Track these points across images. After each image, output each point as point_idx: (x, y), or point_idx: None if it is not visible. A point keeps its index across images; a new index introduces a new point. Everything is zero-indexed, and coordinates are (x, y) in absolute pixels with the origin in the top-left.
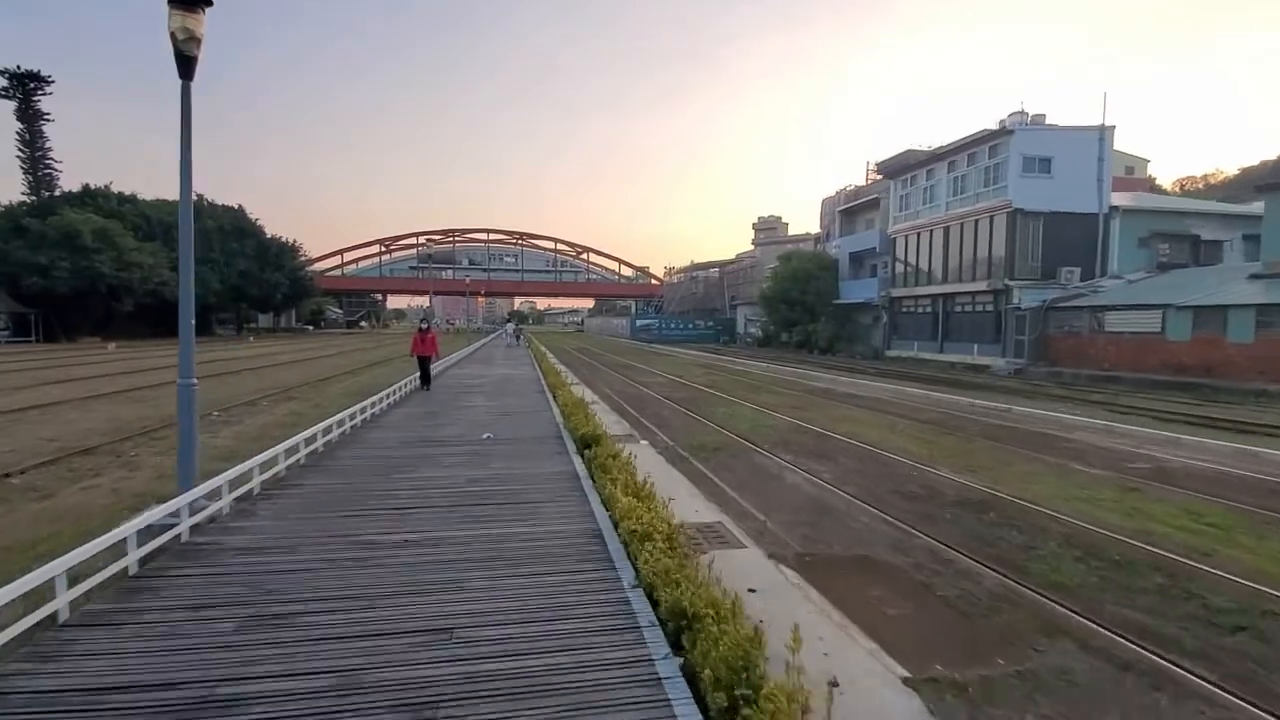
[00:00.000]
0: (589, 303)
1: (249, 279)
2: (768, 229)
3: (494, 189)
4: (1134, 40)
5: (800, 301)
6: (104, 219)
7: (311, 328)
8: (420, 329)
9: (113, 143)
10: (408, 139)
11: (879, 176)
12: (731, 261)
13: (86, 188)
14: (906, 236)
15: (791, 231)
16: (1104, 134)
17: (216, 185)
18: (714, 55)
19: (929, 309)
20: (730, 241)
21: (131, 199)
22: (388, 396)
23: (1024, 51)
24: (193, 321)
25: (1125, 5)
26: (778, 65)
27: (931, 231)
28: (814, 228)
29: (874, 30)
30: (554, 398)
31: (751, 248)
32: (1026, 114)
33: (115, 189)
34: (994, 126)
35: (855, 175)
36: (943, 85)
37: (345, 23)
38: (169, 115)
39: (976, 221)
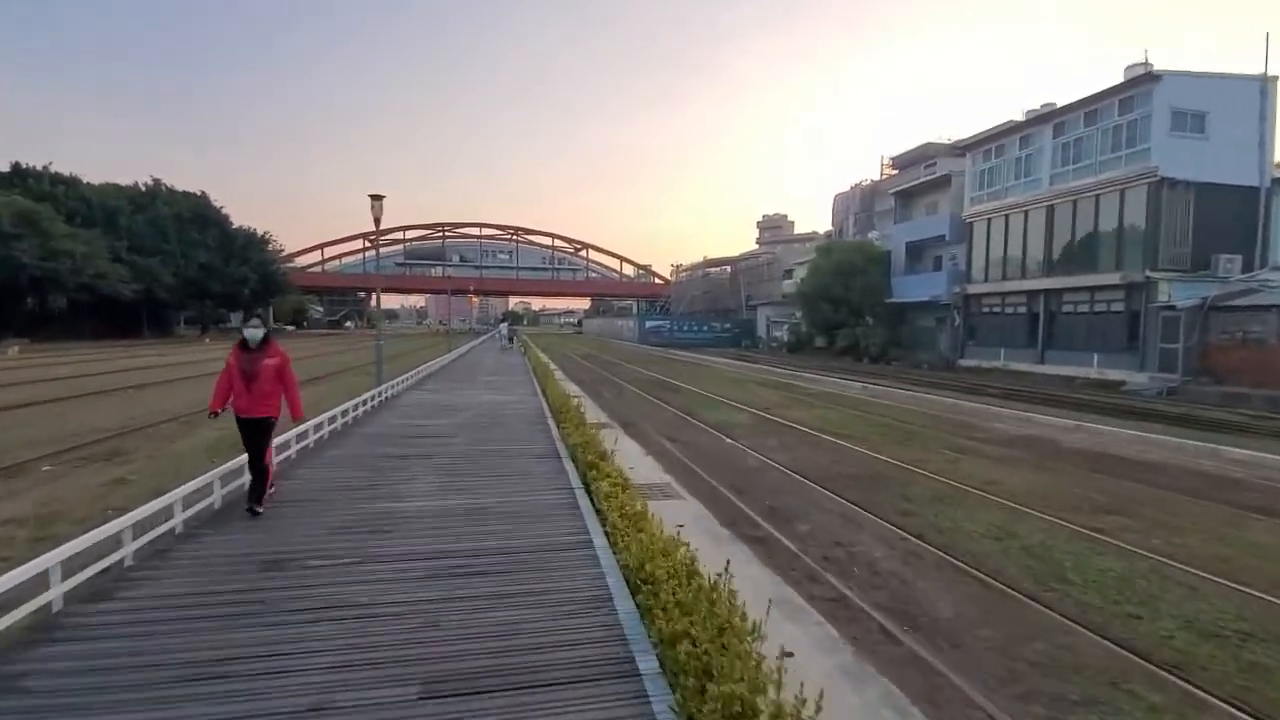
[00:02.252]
0: (585, 303)
1: (211, 273)
2: (773, 227)
3: (490, 189)
4: (1134, 38)
5: (845, 300)
6: (33, 202)
7: (292, 328)
8: (243, 345)
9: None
10: (406, 138)
11: (895, 171)
12: (744, 258)
13: (16, 166)
14: (990, 220)
15: (797, 230)
16: (1266, 85)
17: (210, 183)
18: (712, 55)
19: (1022, 309)
20: (730, 240)
21: (71, 181)
22: (211, 489)
23: (1025, 51)
24: None
25: (1125, 4)
26: (776, 64)
27: (1027, 213)
28: (817, 225)
29: (874, 29)
30: (588, 485)
31: (756, 246)
32: (1151, 65)
33: (82, 175)
34: (1039, 103)
35: (856, 174)
36: (943, 85)
37: (344, 22)
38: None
39: (1098, 197)
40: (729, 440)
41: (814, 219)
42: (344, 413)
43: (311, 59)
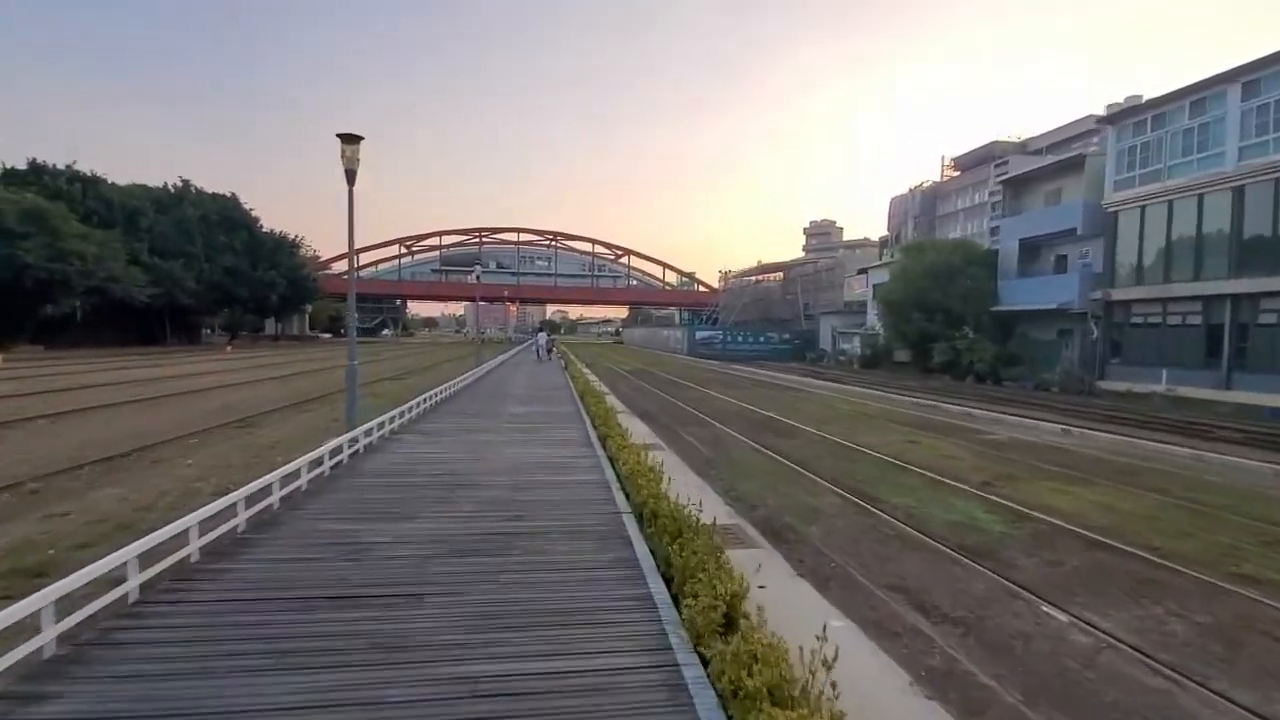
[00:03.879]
0: (623, 312)
1: (238, 277)
2: (820, 233)
3: (527, 194)
4: (1145, 44)
5: (942, 307)
6: (47, 200)
7: (328, 335)
8: None
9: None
10: (442, 143)
11: (957, 173)
12: (795, 264)
13: (33, 163)
14: (1144, 207)
15: (845, 237)
16: None
17: (248, 187)
18: (748, 62)
19: (1195, 319)
20: (770, 248)
21: (92, 179)
22: None
23: (1063, 54)
24: None
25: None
26: (816, 73)
27: (1201, 197)
28: (864, 231)
29: (917, 37)
30: None
31: (803, 254)
32: None
33: (107, 176)
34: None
35: (895, 180)
36: (979, 91)
37: (382, 28)
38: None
39: None
40: (1048, 608)
41: (860, 225)
42: (220, 512)
43: (350, 65)
